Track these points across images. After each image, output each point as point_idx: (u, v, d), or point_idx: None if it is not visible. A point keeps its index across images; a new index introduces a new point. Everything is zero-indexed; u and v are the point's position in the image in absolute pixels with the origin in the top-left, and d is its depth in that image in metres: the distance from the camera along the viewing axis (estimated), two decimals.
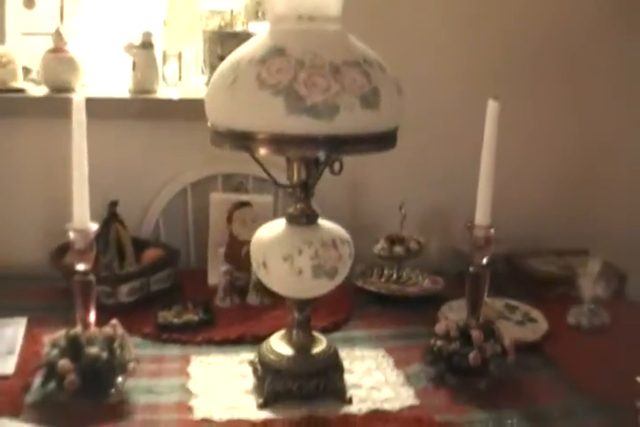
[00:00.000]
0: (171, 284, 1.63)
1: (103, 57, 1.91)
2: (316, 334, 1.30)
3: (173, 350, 1.39)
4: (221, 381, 1.28)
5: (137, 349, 1.29)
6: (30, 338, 1.37)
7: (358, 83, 1.03)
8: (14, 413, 1.13)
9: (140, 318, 1.47)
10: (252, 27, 1.93)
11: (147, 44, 1.80)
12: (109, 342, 1.21)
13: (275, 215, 1.68)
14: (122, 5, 1.92)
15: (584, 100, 1.99)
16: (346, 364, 1.29)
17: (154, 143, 1.82)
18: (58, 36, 1.76)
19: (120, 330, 1.24)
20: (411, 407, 1.21)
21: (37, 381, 1.21)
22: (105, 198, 1.54)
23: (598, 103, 2.00)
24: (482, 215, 1.27)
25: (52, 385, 1.18)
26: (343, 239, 1.20)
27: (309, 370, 1.23)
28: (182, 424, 1.15)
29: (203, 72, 1.90)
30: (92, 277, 1.20)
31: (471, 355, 1.25)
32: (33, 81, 1.85)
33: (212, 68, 1.77)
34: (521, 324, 1.51)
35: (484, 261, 1.29)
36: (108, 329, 1.23)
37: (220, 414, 1.17)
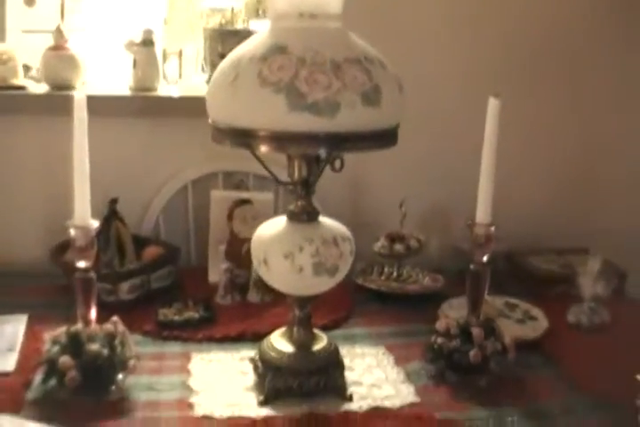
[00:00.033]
0: (171, 281, 1.63)
1: (104, 55, 1.91)
2: (316, 331, 1.30)
3: (174, 348, 1.39)
4: (222, 378, 1.28)
5: (137, 346, 1.29)
6: (31, 335, 1.37)
7: (359, 80, 1.03)
8: (15, 410, 1.13)
9: (140, 316, 1.47)
10: (253, 24, 1.93)
11: (147, 42, 1.79)
12: (110, 339, 1.21)
13: (275, 213, 1.67)
14: (122, 3, 1.91)
15: (584, 100, 1.99)
16: (346, 361, 1.29)
17: (154, 141, 1.82)
18: (58, 33, 1.76)
19: (121, 327, 1.24)
20: (411, 405, 1.22)
21: (38, 378, 1.21)
22: (105, 196, 1.54)
23: (598, 102, 2.00)
24: (482, 213, 1.27)
25: (52, 382, 1.19)
26: (344, 237, 1.20)
27: (310, 367, 1.23)
28: (183, 421, 1.15)
29: (203, 70, 1.90)
30: (92, 275, 1.20)
31: (471, 353, 1.25)
32: (33, 79, 1.85)
33: (213, 65, 1.77)
34: (521, 322, 1.51)
35: (485, 258, 1.29)
36: (108, 326, 1.23)
37: (220, 412, 1.17)
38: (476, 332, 1.27)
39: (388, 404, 1.21)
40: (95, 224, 1.19)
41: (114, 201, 1.60)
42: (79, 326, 1.20)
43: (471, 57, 1.88)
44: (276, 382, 1.21)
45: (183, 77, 1.97)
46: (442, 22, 1.86)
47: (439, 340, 1.31)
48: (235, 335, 1.43)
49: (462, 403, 1.23)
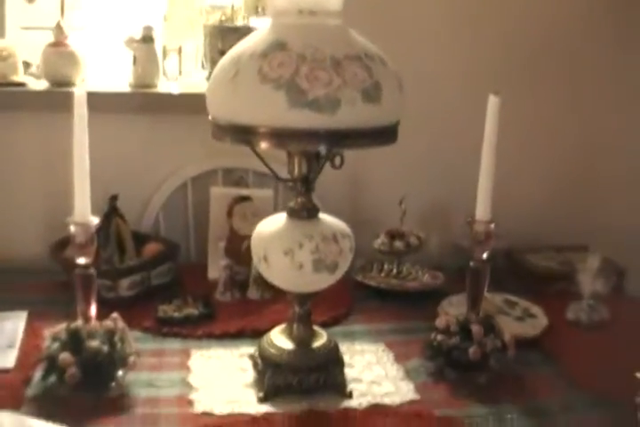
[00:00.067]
0: (171, 278, 1.63)
1: (104, 51, 1.91)
2: (316, 328, 1.30)
3: (174, 344, 1.39)
4: (222, 375, 1.28)
5: (137, 342, 1.29)
6: (31, 332, 1.37)
7: (360, 77, 1.03)
8: (15, 406, 1.13)
9: (140, 312, 1.47)
10: (253, 21, 1.93)
11: (147, 39, 1.79)
12: (110, 335, 1.21)
13: (275, 209, 1.68)
14: (122, 0, 1.91)
15: (583, 99, 1.99)
16: (346, 358, 1.29)
17: (154, 137, 1.82)
18: (59, 30, 1.75)
19: (121, 324, 1.24)
20: (411, 402, 1.22)
21: (38, 374, 1.21)
22: (105, 192, 1.54)
23: (597, 101, 2.00)
24: (482, 210, 1.27)
25: (52, 379, 1.19)
26: (344, 233, 1.20)
27: (310, 364, 1.23)
28: (182, 418, 1.15)
29: (203, 66, 1.90)
30: (92, 271, 1.20)
31: (471, 350, 1.25)
32: (33, 75, 1.84)
33: (213, 62, 1.77)
34: (520, 319, 1.51)
35: (484, 256, 1.29)
36: (108, 323, 1.23)
37: (220, 408, 1.17)
38: (476, 329, 1.28)
39: (387, 401, 1.21)
40: (95, 221, 1.19)
41: (114, 198, 1.60)
42: (79, 322, 1.20)
43: (471, 56, 1.88)
44: (275, 378, 1.21)
45: (183, 74, 1.97)
46: (442, 20, 1.86)
47: (439, 337, 1.31)
48: (234, 332, 1.43)
49: (462, 400, 1.23)
